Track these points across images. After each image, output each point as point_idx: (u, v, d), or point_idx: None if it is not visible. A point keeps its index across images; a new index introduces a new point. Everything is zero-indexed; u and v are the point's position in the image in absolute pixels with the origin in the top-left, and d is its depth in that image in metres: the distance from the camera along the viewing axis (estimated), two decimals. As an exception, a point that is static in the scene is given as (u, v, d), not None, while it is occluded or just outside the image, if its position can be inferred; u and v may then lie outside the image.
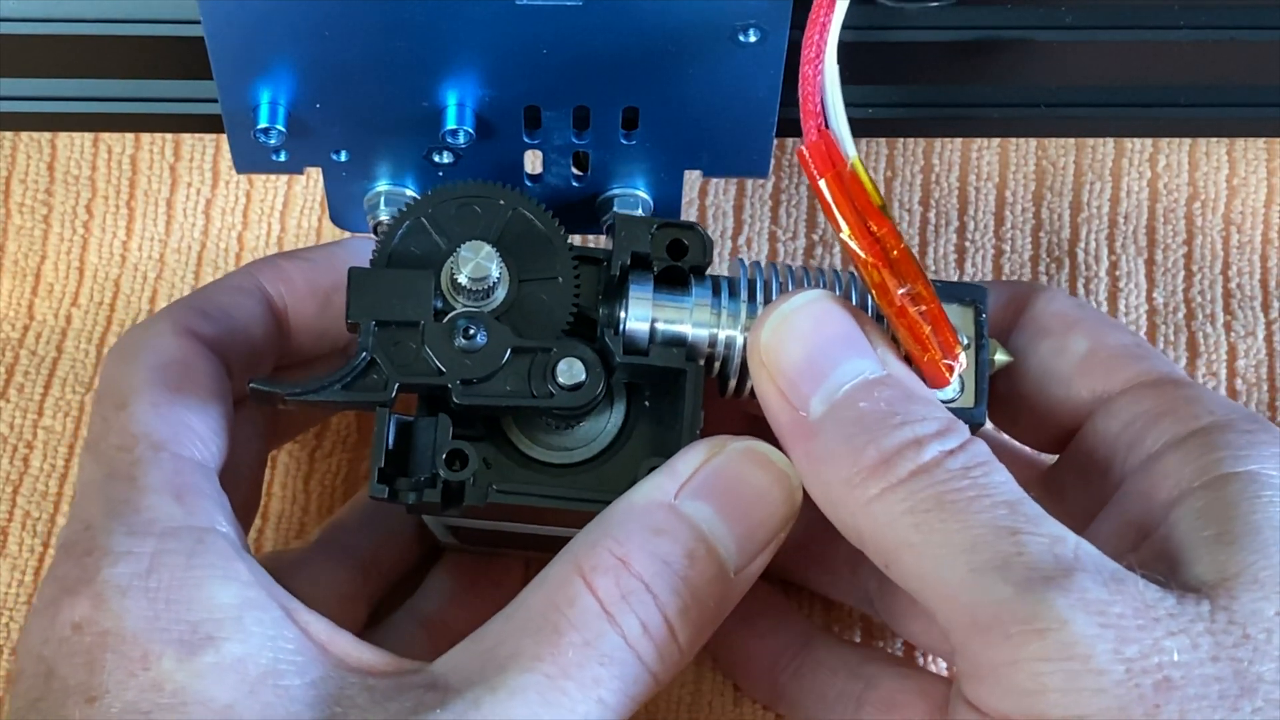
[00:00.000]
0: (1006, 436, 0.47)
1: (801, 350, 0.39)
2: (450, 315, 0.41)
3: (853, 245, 0.38)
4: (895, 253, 0.38)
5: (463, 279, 0.41)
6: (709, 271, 0.42)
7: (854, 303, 0.41)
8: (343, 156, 0.44)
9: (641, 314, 0.41)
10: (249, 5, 0.40)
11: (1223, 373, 0.53)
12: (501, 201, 0.42)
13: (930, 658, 0.49)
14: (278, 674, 0.36)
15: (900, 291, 0.38)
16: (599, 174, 0.45)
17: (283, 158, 0.44)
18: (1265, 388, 0.53)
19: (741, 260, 0.42)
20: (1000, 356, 0.43)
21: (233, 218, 0.56)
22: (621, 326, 0.41)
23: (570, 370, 0.41)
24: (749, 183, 0.56)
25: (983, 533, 0.36)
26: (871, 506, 0.37)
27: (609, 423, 0.43)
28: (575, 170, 0.45)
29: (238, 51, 0.41)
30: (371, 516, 0.48)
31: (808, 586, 0.50)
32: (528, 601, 0.37)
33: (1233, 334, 0.54)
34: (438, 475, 0.40)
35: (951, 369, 0.40)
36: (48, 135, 0.56)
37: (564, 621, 0.36)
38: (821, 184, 0.38)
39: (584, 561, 0.37)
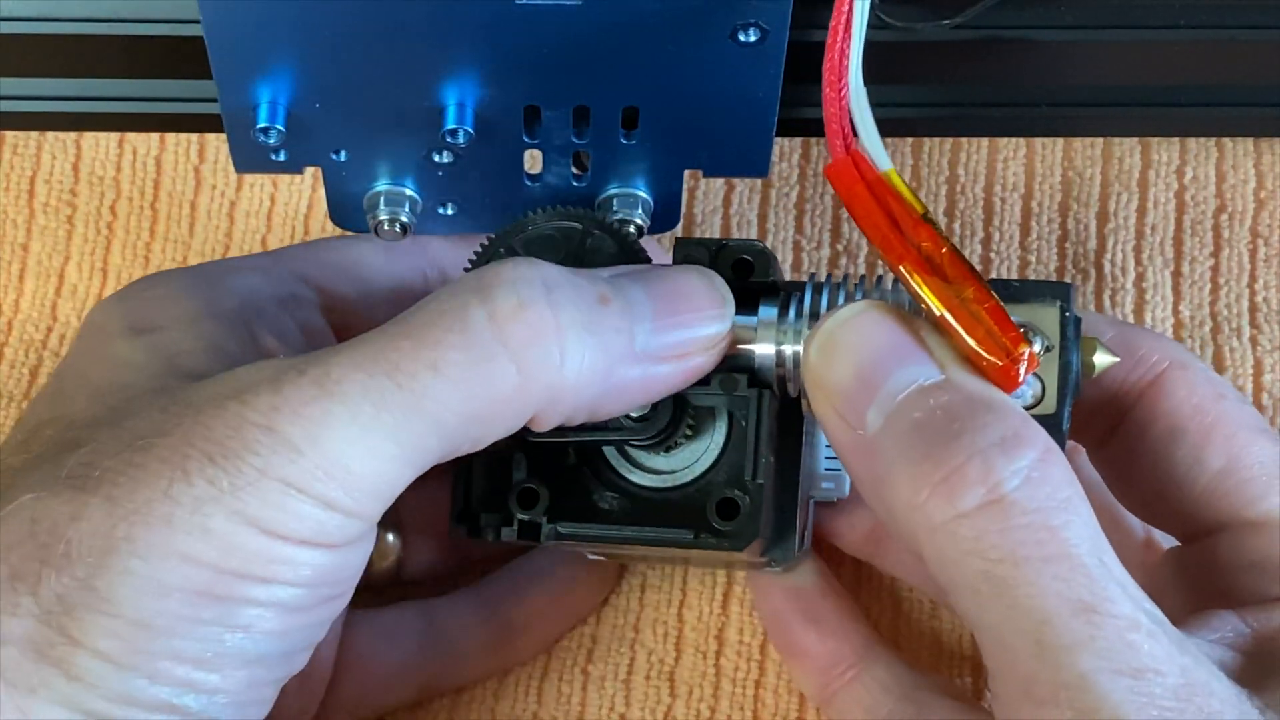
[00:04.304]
0: None
1: (851, 366, 0.37)
2: None
3: (886, 257, 0.37)
4: (938, 259, 0.37)
5: None
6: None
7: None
8: (342, 156, 0.44)
9: None
10: (249, 5, 0.40)
11: (1249, 387, 0.52)
12: (579, 225, 0.42)
13: (989, 696, 0.48)
14: None
15: (948, 295, 0.37)
16: (599, 174, 0.44)
17: (282, 157, 0.44)
18: (1290, 402, 0.52)
19: (813, 274, 0.41)
20: (1102, 358, 0.40)
21: (256, 220, 0.56)
22: None
23: None
24: (773, 191, 0.55)
25: (1058, 607, 0.34)
26: (937, 535, 0.35)
27: (710, 444, 0.42)
28: (575, 170, 0.44)
29: (238, 51, 0.41)
30: None
31: (874, 564, 0.49)
32: None
33: (1259, 348, 0.53)
34: (512, 514, 0.41)
35: (1015, 371, 0.37)
36: (73, 135, 0.56)
37: None
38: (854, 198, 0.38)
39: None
